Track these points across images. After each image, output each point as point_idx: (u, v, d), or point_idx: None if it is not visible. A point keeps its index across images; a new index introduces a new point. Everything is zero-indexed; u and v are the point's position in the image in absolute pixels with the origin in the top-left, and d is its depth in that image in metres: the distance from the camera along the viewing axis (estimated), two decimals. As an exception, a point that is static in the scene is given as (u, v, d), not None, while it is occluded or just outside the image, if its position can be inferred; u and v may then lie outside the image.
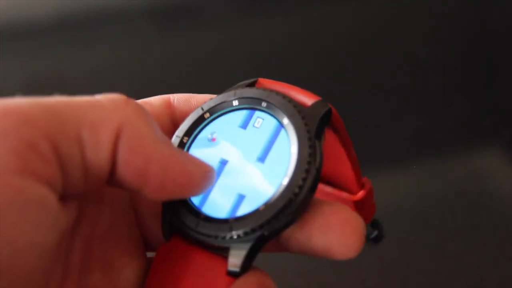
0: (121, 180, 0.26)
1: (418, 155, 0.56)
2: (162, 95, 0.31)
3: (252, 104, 0.29)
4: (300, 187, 0.26)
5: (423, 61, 0.65)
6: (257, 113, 0.29)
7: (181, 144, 0.29)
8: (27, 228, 0.23)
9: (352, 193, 0.33)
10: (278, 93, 0.29)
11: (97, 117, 0.25)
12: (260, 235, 0.26)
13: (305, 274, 0.46)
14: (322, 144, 0.28)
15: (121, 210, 0.29)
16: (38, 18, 0.72)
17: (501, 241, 0.48)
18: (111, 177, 0.26)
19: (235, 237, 0.26)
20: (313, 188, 0.27)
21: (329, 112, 0.28)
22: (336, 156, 0.31)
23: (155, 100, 0.31)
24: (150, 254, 0.30)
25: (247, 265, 0.27)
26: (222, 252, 0.27)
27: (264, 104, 0.29)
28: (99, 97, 0.26)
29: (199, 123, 0.29)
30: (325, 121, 0.28)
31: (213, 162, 0.28)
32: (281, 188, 0.27)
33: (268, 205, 0.27)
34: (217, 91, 0.31)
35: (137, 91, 0.32)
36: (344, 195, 0.33)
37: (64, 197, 0.25)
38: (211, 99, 0.30)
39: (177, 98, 0.31)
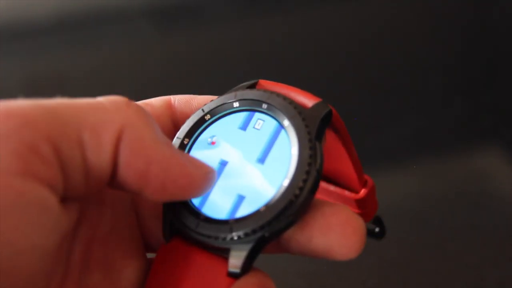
0: (122, 182, 0.26)
1: (418, 155, 0.56)
2: (162, 96, 0.31)
3: (252, 106, 0.29)
4: (301, 189, 0.26)
5: (423, 61, 0.65)
6: (258, 114, 0.29)
7: (182, 146, 0.29)
8: (28, 230, 0.23)
9: (355, 191, 0.33)
10: (278, 94, 0.29)
11: (99, 119, 0.25)
12: (260, 236, 0.26)
13: (305, 275, 0.46)
14: (323, 146, 0.28)
15: (122, 212, 0.29)
16: (38, 18, 0.72)
17: (501, 241, 0.48)
18: (112, 179, 0.26)
19: (235, 238, 0.26)
20: (313, 190, 0.27)
21: (329, 113, 0.28)
22: (338, 156, 0.31)
23: (156, 102, 0.31)
24: (150, 255, 0.30)
25: (247, 266, 0.27)
26: (223, 253, 0.27)
27: (264, 105, 0.29)
28: (100, 99, 0.26)
29: (200, 124, 0.29)
30: (326, 122, 0.28)
31: (213, 163, 0.28)
32: (282, 189, 0.27)
33: (268, 206, 0.27)
34: (217, 91, 0.31)
35: (137, 91, 0.32)
36: (347, 193, 0.33)
37: (65, 199, 0.25)
38: (212, 100, 0.30)
39: (178, 99, 0.31)
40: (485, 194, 0.52)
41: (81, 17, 0.72)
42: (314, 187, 0.27)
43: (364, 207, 0.33)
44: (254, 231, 0.26)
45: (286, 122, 0.28)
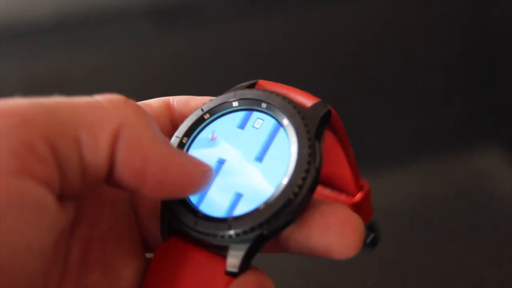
0: (119, 180, 0.26)
1: (418, 155, 0.56)
2: (161, 97, 0.31)
3: (252, 105, 0.29)
4: (300, 187, 0.26)
5: (423, 61, 0.65)
6: (257, 114, 0.29)
7: (181, 145, 0.29)
8: (25, 229, 0.23)
9: (350, 195, 0.33)
10: (278, 94, 0.29)
11: (96, 117, 0.25)
12: (259, 234, 0.26)
13: (304, 275, 0.46)
14: (322, 145, 0.28)
15: (121, 211, 0.29)
16: (38, 18, 0.72)
17: (501, 241, 0.48)
18: (109, 177, 0.26)
19: (233, 235, 0.26)
20: (312, 188, 0.27)
21: (328, 113, 0.28)
22: (335, 158, 0.31)
23: (155, 102, 0.31)
24: (149, 255, 0.30)
25: (245, 264, 0.27)
26: (221, 251, 0.27)
27: (264, 105, 0.29)
28: (98, 97, 0.26)
29: (199, 124, 0.29)
30: (325, 122, 0.28)
31: (211, 162, 0.28)
32: (281, 188, 0.27)
33: (267, 204, 0.26)
34: (217, 91, 0.31)
35: (137, 91, 0.32)
36: (342, 197, 0.33)
37: (61, 197, 0.25)
38: (211, 100, 0.30)
39: (177, 100, 0.31)
40: (485, 194, 0.52)
41: (81, 17, 0.72)
42: (313, 186, 0.27)
43: (359, 211, 0.33)
44: (252, 229, 0.26)
45: (285, 121, 0.28)
